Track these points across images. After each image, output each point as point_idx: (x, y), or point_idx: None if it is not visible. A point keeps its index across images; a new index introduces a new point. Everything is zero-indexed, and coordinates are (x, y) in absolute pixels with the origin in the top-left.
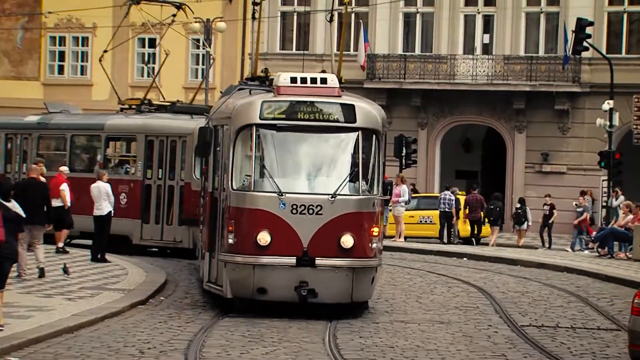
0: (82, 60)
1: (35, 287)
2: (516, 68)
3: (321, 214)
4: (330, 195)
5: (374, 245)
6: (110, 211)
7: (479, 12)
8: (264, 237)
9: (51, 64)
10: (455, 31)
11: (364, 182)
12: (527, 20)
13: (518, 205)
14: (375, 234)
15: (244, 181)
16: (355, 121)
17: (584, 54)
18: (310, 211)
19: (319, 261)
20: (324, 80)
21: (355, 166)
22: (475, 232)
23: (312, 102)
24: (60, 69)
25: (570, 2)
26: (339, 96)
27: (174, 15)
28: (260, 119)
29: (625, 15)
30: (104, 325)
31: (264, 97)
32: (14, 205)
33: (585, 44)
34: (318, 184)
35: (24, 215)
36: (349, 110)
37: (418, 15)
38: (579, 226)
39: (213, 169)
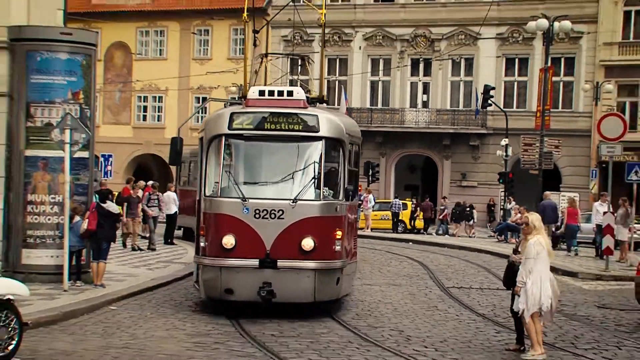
0: (158, 112)
1: (128, 261)
2: (444, 117)
3: (283, 218)
4: (292, 200)
5: (337, 247)
6: (176, 211)
7: (420, 80)
8: (229, 241)
9: (138, 114)
10: (404, 92)
11: (327, 188)
12: (452, 85)
13: (460, 208)
14: (338, 237)
15: (214, 188)
16: (318, 130)
17: (489, 108)
18: (273, 216)
19: (280, 263)
20: (290, 93)
21: (317, 173)
22: (425, 226)
23: (277, 113)
24: (144, 117)
25: (480, 73)
26: (305, 107)
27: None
28: (229, 129)
29: (515, 83)
30: (172, 286)
31: (233, 109)
32: (109, 205)
33: (489, 101)
34: (281, 190)
35: (116, 212)
36: (313, 120)
37: (380, 82)
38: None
39: (198, 178)
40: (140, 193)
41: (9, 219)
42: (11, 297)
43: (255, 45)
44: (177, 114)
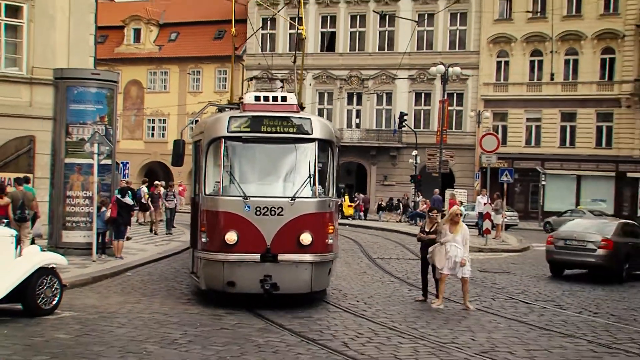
0: (163, 130)
1: (139, 240)
2: (371, 135)
3: (282, 215)
4: (290, 198)
5: (330, 241)
6: (176, 204)
7: (353, 108)
8: (231, 237)
9: (147, 132)
10: (343, 117)
11: (320, 186)
12: (377, 112)
13: (391, 202)
14: (330, 231)
15: (215, 187)
16: (312, 133)
17: (403, 129)
18: (272, 212)
19: (281, 257)
20: (283, 98)
21: (312, 172)
22: (363, 213)
23: (273, 117)
24: (152, 135)
25: (397, 104)
26: (298, 112)
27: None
28: (228, 132)
29: (422, 111)
30: (172, 258)
31: (231, 113)
32: (126, 199)
33: (403, 124)
34: (279, 188)
35: (132, 204)
36: (306, 123)
37: (325, 110)
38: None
39: (194, 178)
40: (161, 190)
41: (53, 209)
42: (54, 266)
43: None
44: (177, 132)
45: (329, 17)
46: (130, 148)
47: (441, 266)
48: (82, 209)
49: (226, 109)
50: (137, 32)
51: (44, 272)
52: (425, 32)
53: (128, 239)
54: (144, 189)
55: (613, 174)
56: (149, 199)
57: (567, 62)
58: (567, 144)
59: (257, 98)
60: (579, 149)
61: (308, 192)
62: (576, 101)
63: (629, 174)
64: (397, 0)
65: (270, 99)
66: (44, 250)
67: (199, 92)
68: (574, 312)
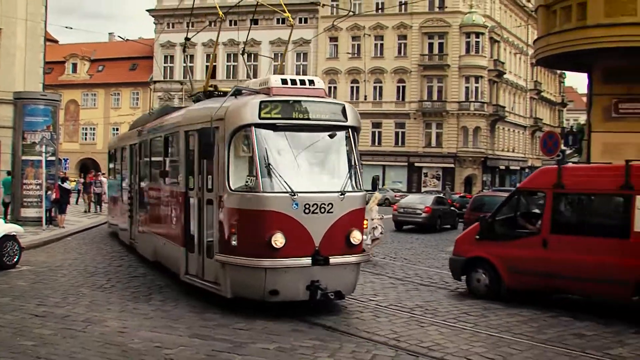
0: (93, 136)
1: (78, 216)
2: None
3: (332, 212)
4: (340, 193)
5: (365, 238)
6: (102, 190)
7: None
8: (278, 239)
9: (82, 137)
10: None
11: (357, 178)
12: None
13: None
14: (365, 227)
15: (248, 182)
16: (346, 119)
17: None
18: (322, 210)
19: (332, 260)
20: (311, 82)
21: (352, 163)
22: None
23: (309, 101)
24: (86, 138)
25: None
26: (327, 96)
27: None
28: (260, 119)
29: None
30: (99, 228)
31: (262, 97)
32: (66, 185)
33: None
34: (325, 183)
35: (69, 188)
36: (340, 109)
37: None
38: None
39: (186, 170)
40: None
41: (14, 192)
42: (15, 233)
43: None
44: (103, 137)
45: (211, 55)
46: (69, 148)
47: None
48: (35, 192)
49: (215, 94)
50: (75, 65)
51: (8, 239)
52: (278, 66)
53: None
54: (103, 180)
55: (406, 164)
56: (83, 186)
57: (375, 87)
58: (376, 144)
59: (284, 81)
60: (384, 147)
61: (350, 186)
62: (381, 114)
63: (415, 164)
64: (259, 43)
65: (298, 82)
66: (7, 223)
67: (118, 108)
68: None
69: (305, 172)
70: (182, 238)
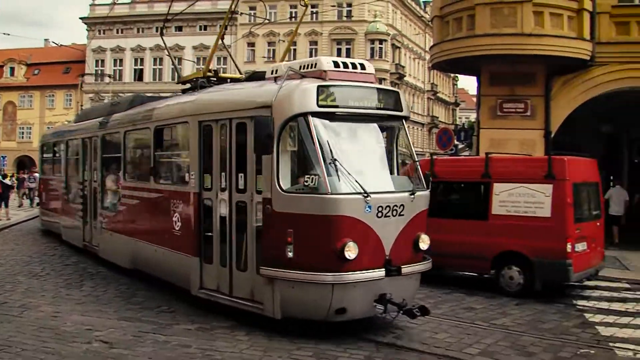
0: (29, 135)
1: (17, 210)
2: None
3: (403, 215)
4: (410, 193)
5: None
6: (36, 186)
7: None
8: (351, 250)
9: (19, 136)
10: None
11: (420, 175)
12: None
13: None
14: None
15: (308, 181)
16: (402, 109)
17: None
18: (394, 212)
19: (404, 269)
20: (362, 66)
21: (413, 158)
22: None
23: (367, 88)
24: (22, 137)
25: None
26: (378, 83)
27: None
28: (318, 106)
29: None
30: (34, 220)
31: (317, 82)
32: (6, 181)
33: None
34: (392, 181)
35: (9, 184)
36: (396, 98)
37: None
38: None
39: (200, 168)
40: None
41: None
42: None
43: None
44: (39, 136)
45: (138, 59)
46: (8, 147)
47: None
48: None
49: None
50: (12, 69)
51: None
52: (201, 69)
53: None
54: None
55: None
56: (17, 182)
57: None
58: None
59: (337, 64)
60: None
61: (414, 184)
62: None
63: None
64: (183, 48)
65: (350, 66)
66: None
67: (53, 109)
68: None
69: (371, 169)
70: (193, 246)
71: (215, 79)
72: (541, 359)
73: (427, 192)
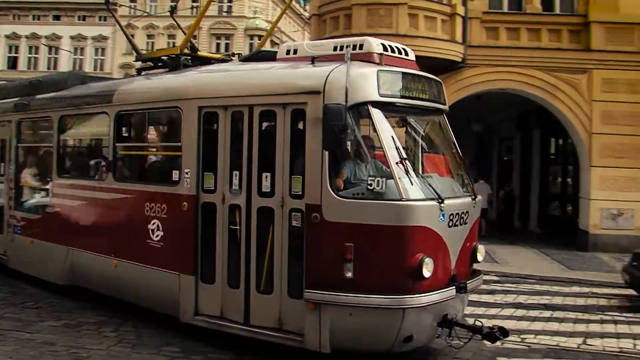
0: None
1: None
2: None
3: (467, 223)
4: (472, 197)
5: None
6: None
7: None
8: (429, 266)
9: None
10: None
11: (470, 177)
12: None
13: None
14: None
15: (374, 184)
16: (445, 103)
17: None
18: (462, 221)
19: (468, 285)
20: (405, 52)
21: (459, 156)
22: None
23: (423, 77)
24: None
25: None
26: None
27: None
28: (380, 96)
29: None
30: None
31: (379, 67)
32: None
33: None
34: (456, 185)
35: None
36: (442, 88)
37: None
38: None
39: (198, 165)
40: None
41: None
42: None
43: None
44: None
45: (13, 47)
46: None
47: None
48: None
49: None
50: None
51: None
52: (79, 59)
53: None
54: None
55: None
56: None
57: None
58: None
59: (385, 48)
60: None
61: (470, 187)
62: None
63: None
64: (60, 38)
65: (396, 50)
66: None
67: None
68: None
69: (434, 170)
70: (185, 262)
71: (190, 58)
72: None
73: (480, 197)
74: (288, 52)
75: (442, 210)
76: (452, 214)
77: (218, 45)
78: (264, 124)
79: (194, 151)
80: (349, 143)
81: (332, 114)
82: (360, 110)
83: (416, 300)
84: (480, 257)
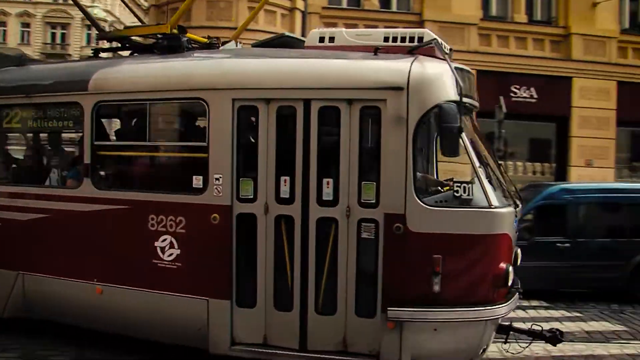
0: None
1: None
2: None
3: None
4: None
5: None
6: None
7: None
8: (511, 275)
9: None
10: None
11: None
12: None
13: None
14: None
15: (460, 190)
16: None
17: None
18: (516, 225)
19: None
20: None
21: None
22: None
23: (472, 75)
24: None
25: None
26: None
27: None
28: (457, 95)
29: None
30: None
31: (456, 65)
32: None
33: None
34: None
35: None
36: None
37: None
38: None
39: (238, 168)
40: None
41: None
42: None
43: None
44: None
45: None
46: None
47: None
48: None
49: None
50: None
51: None
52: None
53: None
54: None
55: None
56: None
57: None
58: None
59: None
60: None
61: None
62: None
63: None
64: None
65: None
66: None
67: None
68: None
69: (497, 173)
70: (219, 284)
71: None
72: None
73: None
74: (322, 40)
75: (516, 216)
76: (516, 219)
77: (54, 35)
78: (326, 122)
79: (227, 153)
80: (434, 145)
81: (447, 115)
82: (438, 110)
83: (497, 310)
84: (519, 262)
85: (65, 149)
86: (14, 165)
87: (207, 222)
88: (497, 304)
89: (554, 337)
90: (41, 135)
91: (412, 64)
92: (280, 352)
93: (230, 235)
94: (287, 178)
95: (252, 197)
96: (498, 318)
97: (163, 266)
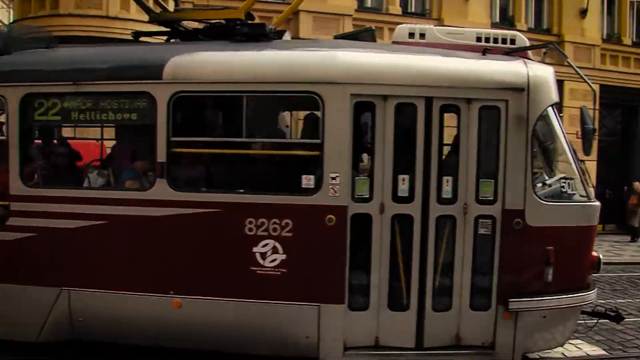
0: None
1: None
2: None
3: None
4: None
5: None
6: None
7: None
8: (601, 261)
9: None
10: None
11: None
12: None
13: None
14: None
15: (565, 185)
16: None
17: None
18: None
19: None
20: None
21: None
22: None
23: None
24: None
25: None
26: None
27: None
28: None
29: None
30: None
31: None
32: None
33: None
34: None
35: None
36: None
37: None
38: None
39: (350, 165)
40: None
41: None
42: None
43: None
44: None
45: None
46: None
47: None
48: None
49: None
50: None
51: None
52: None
53: None
54: None
55: None
56: None
57: None
58: None
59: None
60: None
61: None
62: None
63: None
64: None
65: None
66: None
67: None
68: None
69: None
70: (332, 289)
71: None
72: None
73: None
74: (411, 35)
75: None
76: None
77: None
78: (444, 121)
79: (344, 151)
80: (546, 144)
81: (587, 117)
82: (550, 110)
83: (591, 295)
84: None
85: (120, 145)
86: (47, 164)
87: (321, 224)
88: (590, 289)
89: (618, 316)
90: (85, 130)
91: (527, 66)
92: (397, 352)
93: (345, 236)
94: (406, 177)
95: (367, 196)
96: (590, 303)
97: (263, 273)
